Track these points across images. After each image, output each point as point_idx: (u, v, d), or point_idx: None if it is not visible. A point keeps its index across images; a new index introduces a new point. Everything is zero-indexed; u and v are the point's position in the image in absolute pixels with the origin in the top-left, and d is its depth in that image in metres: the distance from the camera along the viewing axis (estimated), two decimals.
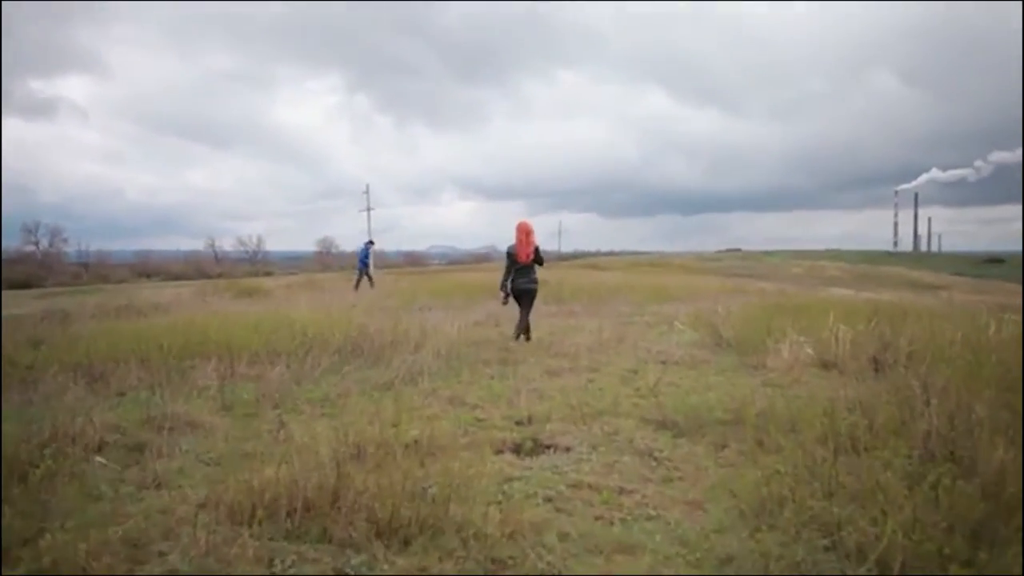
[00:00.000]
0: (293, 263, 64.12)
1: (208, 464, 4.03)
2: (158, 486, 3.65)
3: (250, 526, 2.99)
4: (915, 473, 3.38)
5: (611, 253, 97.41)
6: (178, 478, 3.77)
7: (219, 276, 45.82)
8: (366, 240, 23.65)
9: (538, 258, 8.88)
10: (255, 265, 58.27)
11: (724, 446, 4.41)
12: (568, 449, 4.32)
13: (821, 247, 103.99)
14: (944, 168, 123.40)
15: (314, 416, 5.15)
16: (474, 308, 13.40)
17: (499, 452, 4.29)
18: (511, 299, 8.94)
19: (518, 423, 4.93)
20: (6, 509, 3.06)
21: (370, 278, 22.50)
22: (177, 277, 45.25)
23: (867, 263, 72.60)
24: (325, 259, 64.80)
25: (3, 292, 30.70)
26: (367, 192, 57.79)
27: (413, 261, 68.52)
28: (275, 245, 74.27)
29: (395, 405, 5.18)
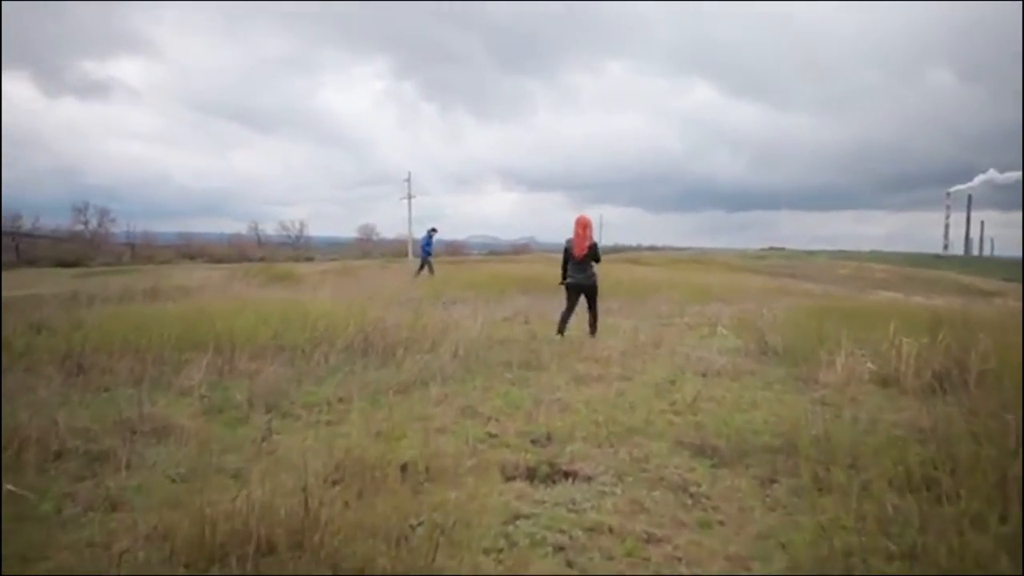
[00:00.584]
0: (334, 249, 64.50)
1: (174, 481, 3.52)
2: (109, 508, 3.15)
3: (195, 568, 2.47)
4: (1012, 536, 2.73)
5: (652, 248, 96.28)
6: (135, 498, 3.27)
7: (261, 260, 46.20)
8: (429, 228, 23.22)
9: (594, 254, 8.75)
10: (297, 250, 58.86)
11: (773, 481, 3.77)
12: (590, 478, 3.72)
13: (866, 248, 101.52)
14: (1002, 170, 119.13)
15: (308, 424, 4.62)
16: (505, 302, 12.83)
17: (510, 479, 3.71)
18: (565, 293, 8.96)
19: (534, 441, 4.34)
20: None
21: (431, 266, 22.15)
22: (220, 260, 45.62)
23: (914, 266, 70.43)
24: (366, 246, 65.46)
25: (47, 269, 31.25)
26: (408, 180, 57.99)
27: (453, 251, 68.61)
28: (318, 230, 75.03)
29: (399, 414, 4.67)
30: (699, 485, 3.67)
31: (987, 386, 5.76)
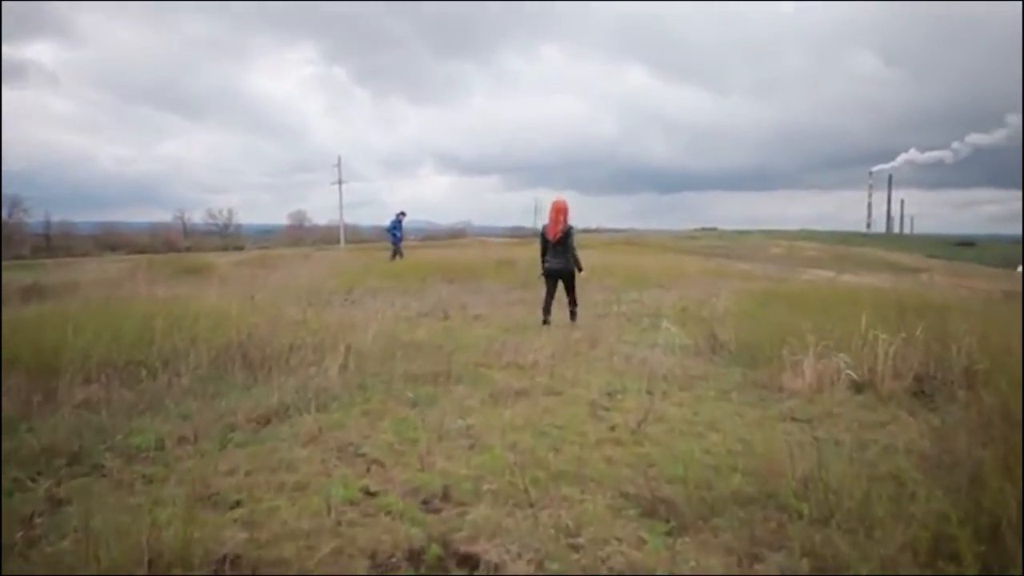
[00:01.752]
0: (265, 237, 62.96)
1: None
2: None
3: None
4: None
5: (587, 230, 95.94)
6: None
7: (187, 250, 43.93)
8: (397, 212, 21.88)
9: (568, 238, 8.40)
10: (225, 239, 56.71)
11: (755, 557, 2.68)
12: (496, 570, 2.56)
13: (795, 227, 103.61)
14: (922, 149, 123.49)
15: (114, 484, 3.33)
16: (426, 293, 11.62)
17: None
18: (543, 280, 8.75)
19: (426, 502, 3.15)
20: None
21: (400, 252, 20.80)
22: (143, 250, 43.18)
23: (842, 244, 71.97)
24: (297, 233, 63.78)
25: None
26: (339, 165, 56.54)
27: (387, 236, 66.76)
28: (250, 218, 72.72)
29: (250, 462, 3.45)
30: (654, 572, 2.56)
31: (976, 388, 4.86)
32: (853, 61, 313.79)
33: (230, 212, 61.81)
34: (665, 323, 6.82)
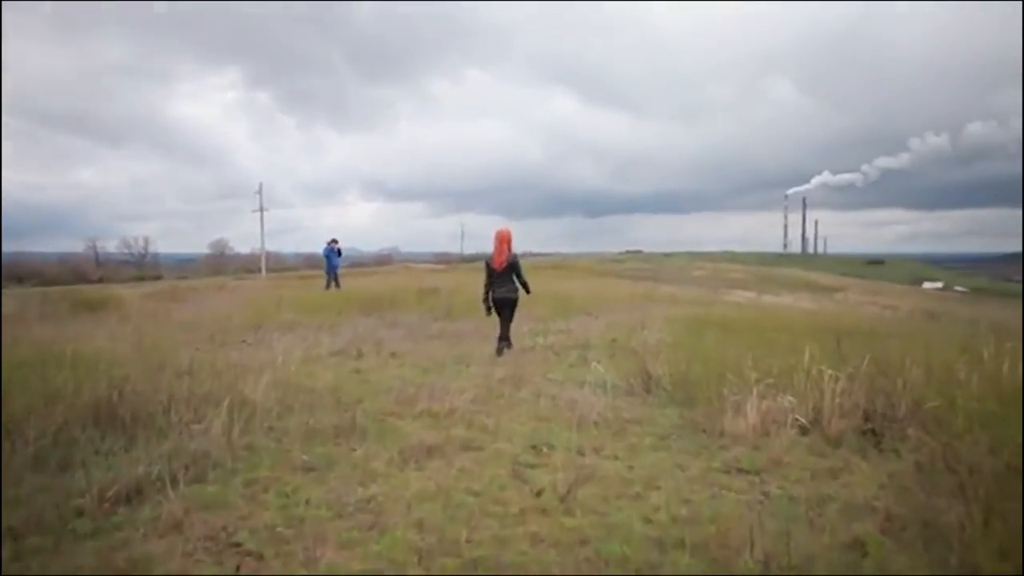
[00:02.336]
0: (184, 266, 60.69)
1: None
2: None
3: None
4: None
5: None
6: None
7: (100, 280, 41.39)
8: (329, 240, 20.73)
9: (514, 266, 8.40)
10: (141, 269, 53.90)
11: None
12: None
13: (718, 248, 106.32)
14: (835, 172, 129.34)
15: None
16: (342, 328, 10.85)
17: None
18: (486, 311, 8.67)
19: None
20: None
21: (336, 280, 19.77)
22: (52, 282, 40.36)
23: (761, 264, 74.03)
24: (218, 262, 61.37)
25: None
26: (260, 192, 55.29)
27: (312, 263, 65.81)
28: (170, 247, 69.67)
29: (80, 567, 2.72)
30: None
31: (928, 427, 4.52)
32: (771, 90, 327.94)
33: (146, 240, 58.94)
34: (595, 363, 6.31)
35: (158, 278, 45.72)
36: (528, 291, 8.61)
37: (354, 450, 4.39)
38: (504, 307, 8.51)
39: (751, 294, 34.63)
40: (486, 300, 8.55)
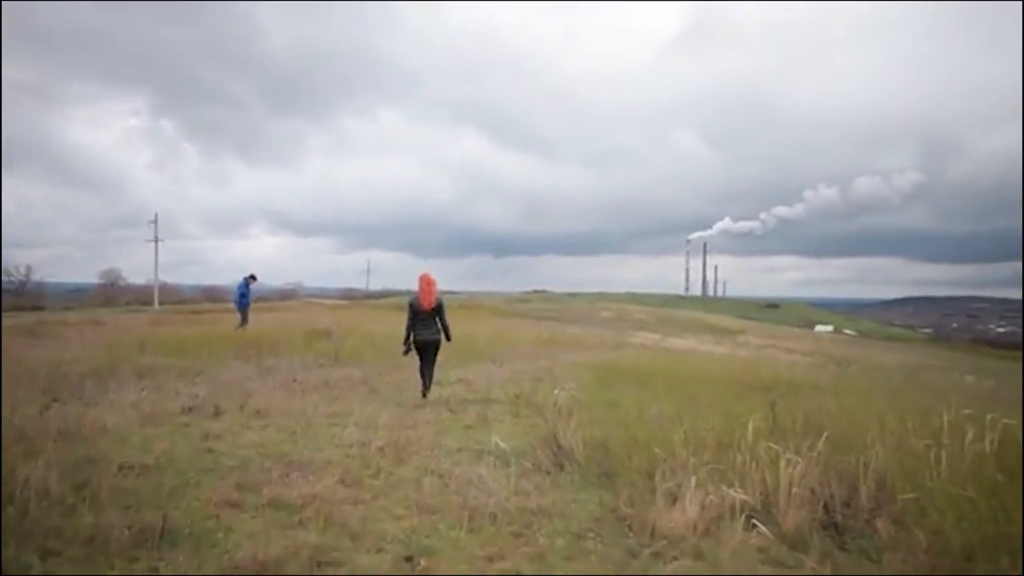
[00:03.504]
0: (73, 296, 56.13)
1: None
2: None
3: None
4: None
5: None
6: None
7: None
8: (245, 275, 18.51)
9: (440, 309, 8.55)
10: (21, 298, 48.97)
11: None
12: None
13: (622, 290, 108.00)
14: (735, 219, 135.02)
15: None
16: (210, 374, 9.39)
17: None
18: (413, 351, 8.60)
19: None
20: None
21: (245, 319, 17.71)
22: None
23: (663, 306, 75.36)
24: (109, 292, 57.03)
25: None
26: (155, 221, 52.85)
27: (212, 296, 62.65)
28: (60, 276, 64.49)
29: None
30: None
31: (906, 519, 3.69)
32: (677, 139, 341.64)
33: (28, 268, 53.90)
34: (496, 439, 5.23)
35: (39, 308, 41.87)
36: (448, 337, 8.60)
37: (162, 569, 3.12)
38: (427, 349, 8.52)
39: (656, 336, 34.63)
40: (407, 341, 8.47)
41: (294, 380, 8.85)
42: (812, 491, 3.94)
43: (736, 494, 3.77)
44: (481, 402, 7.69)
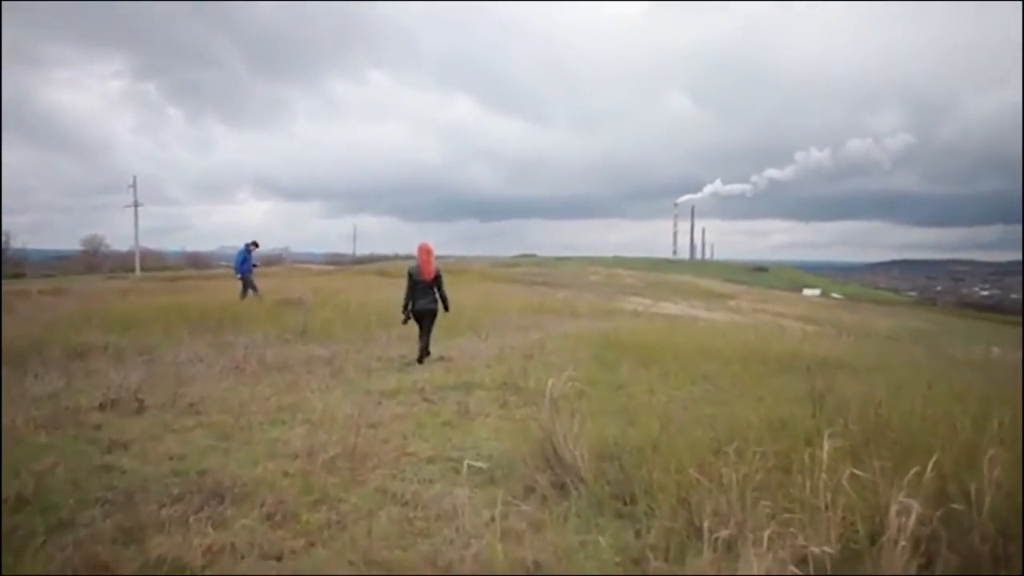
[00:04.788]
0: (55, 264, 55.60)
1: None
2: None
3: None
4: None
5: (409, 257, 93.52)
6: None
7: None
8: (248, 242, 17.04)
9: (439, 279, 8.76)
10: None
11: None
12: None
13: (610, 254, 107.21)
14: (726, 182, 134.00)
15: None
16: (156, 354, 8.23)
17: None
18: (409, 321, 8.77)
19: None
20: None
21: (253, 287, 16.49)
22: None
23: (651, 270, 74.54)
24: (92, 260, 56.12)
25: None
26: (134, 186, 51.41)
27: (196, 263, 61.24)
28: (43, 243, 62.92)
29: None
30: None
31: None
32: (667, 101, 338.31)
33: (7, 236, 52.20)
34: (468, 461, 4.08)
35: (20, 276, 40.43)
36: (447, 308, 8.79)
37: None
38: (425, 318, 8.66)
39: (647, 301, 33.57)
40: (406, 309, 8.60)
41: (247, 360, 7.67)
42: (916, 541, 2.83)
43: (816, 550, 2.66)
44: (463, 388, 6.56)
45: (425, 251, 8.67)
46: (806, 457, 3.15)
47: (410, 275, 8.65)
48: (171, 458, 4.18)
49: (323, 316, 12.13)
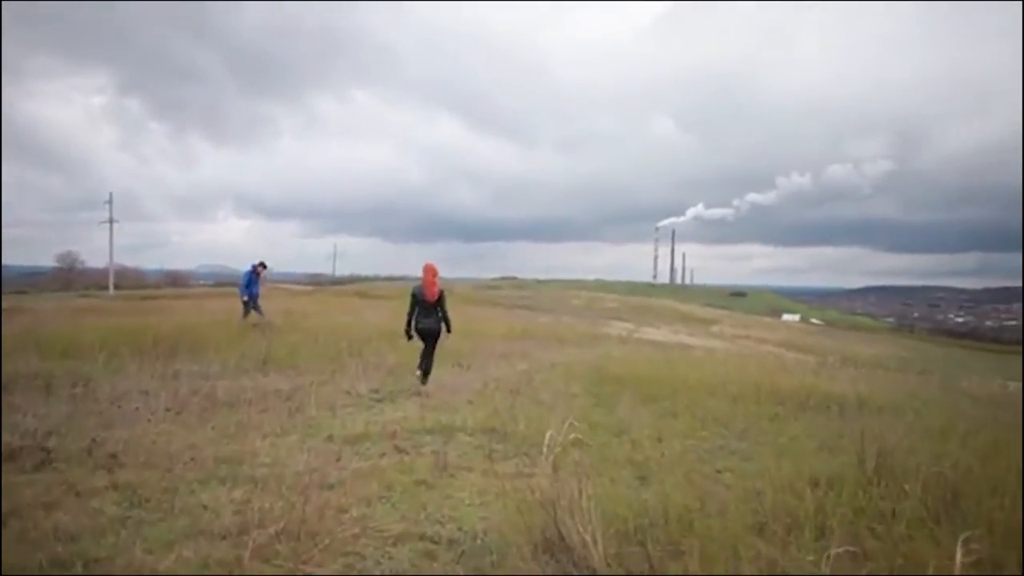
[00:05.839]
0: (28, 281, 54.01)
1: None
2: None
3: None
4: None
5: (390, 278, 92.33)
6: None
7: None
8: (255, 263, 15.50)
9: (442, 301, 8.61)
10: None
11: None
12: None
13: (591, 277, 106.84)
14: (708, 206, 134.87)
15: None
16: (92, 386, 7.25)
17: None
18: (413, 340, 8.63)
19: None
20: None
21: (257, 308, 15.14)
22: None
23: (632, 293, 74.19)
24: (67, 276, 55.02)
25: None
26: (110, 202, 50.38)
27: (175, 281, 59.72)
28: (16, 259, 61.33)
29: None
30: None
31: None
32: (651, 126, 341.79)
33: None
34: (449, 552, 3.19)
35: None
36: (449, 328, 8.63)
37: None
38: (429, 337, 8.56)
39: (629, 325, 32.91)
40: (408, 328, 8.48)
41: (193, 396, 6.70)
42: None
43: None
44: (441, 432, 5.65)
45: (431, 271, 8.54)
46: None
47: (414, 295, 8.54)
48: (56, 542, 3.20)
49: (291, 341, 11.19)
